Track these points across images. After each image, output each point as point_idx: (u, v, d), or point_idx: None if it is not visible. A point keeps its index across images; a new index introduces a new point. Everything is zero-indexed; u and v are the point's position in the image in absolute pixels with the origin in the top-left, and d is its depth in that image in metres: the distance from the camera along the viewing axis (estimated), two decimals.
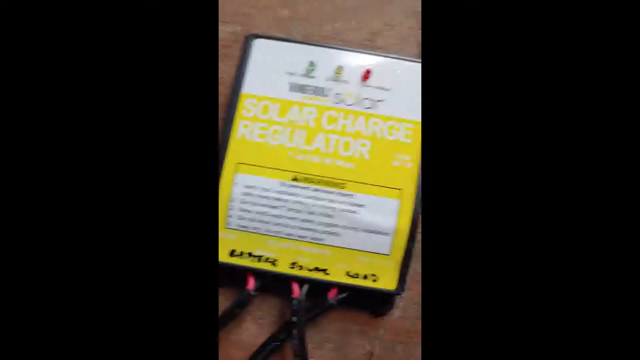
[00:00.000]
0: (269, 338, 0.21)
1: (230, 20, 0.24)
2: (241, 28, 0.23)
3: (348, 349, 0.22)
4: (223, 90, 0.22)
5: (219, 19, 0.23)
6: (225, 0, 0.24)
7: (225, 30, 0.23)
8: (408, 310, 0.22)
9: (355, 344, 0.22)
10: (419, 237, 0.22)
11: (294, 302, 0.21)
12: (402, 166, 0.21)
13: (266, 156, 0.21)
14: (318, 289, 0.21)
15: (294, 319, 0.20)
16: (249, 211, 0.21)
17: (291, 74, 0.22)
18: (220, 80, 0.23)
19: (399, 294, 0.21)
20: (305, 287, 0.21)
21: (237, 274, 0.21)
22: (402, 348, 0.22)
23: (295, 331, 0.20)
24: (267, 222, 0.21)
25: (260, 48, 0.22)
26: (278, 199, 0.21)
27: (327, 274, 0.21)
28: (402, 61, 0.22)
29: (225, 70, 0.23)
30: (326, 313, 0.22)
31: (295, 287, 0.21)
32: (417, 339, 0.22)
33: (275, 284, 0.21)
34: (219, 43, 0.23)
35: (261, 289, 0.21)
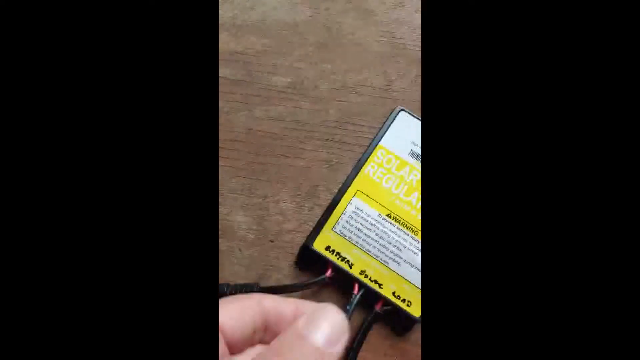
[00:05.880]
0: None
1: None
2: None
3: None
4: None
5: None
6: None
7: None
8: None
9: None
10: None
11: (353, 296, 0.28)
12: None
13: (377, 193, 0.29)
14: (368, 298, 0.28)
15: (347, 307, 0.28)
16: (351, 225, 0.28)
17: (414, 143, 0.30)
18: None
19: (419, 322, 0.29)
20: (362, 290, 0.28)
21: (323, 264, 0.28)
22: None
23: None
24: (359, 237, 0.28)
25: (402, 118, 0.30)
26: (372, 225, 0.28)
27: (381, 287, 0.28)
28: None
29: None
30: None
31: (356, 287, 0.28)
32: None
33: (343, 281, 0.29)
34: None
35: (331, 281, 0.29)
